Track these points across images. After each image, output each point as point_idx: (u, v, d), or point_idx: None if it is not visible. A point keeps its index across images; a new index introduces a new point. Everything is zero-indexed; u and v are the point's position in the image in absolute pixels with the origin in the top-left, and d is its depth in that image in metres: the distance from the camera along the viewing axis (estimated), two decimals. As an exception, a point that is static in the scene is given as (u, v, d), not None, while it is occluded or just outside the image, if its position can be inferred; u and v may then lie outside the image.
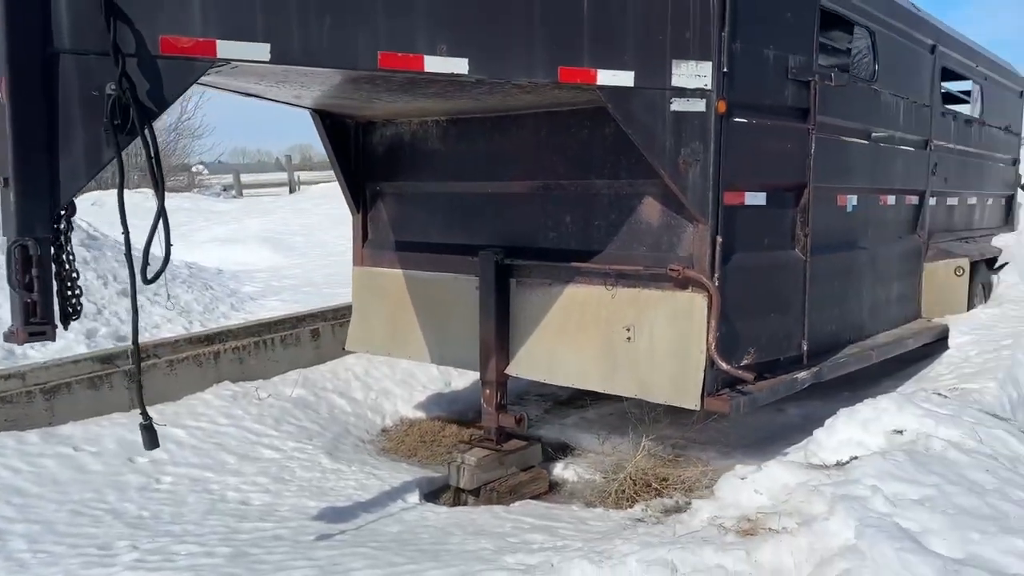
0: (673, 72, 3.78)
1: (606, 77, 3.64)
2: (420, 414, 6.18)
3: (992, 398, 5.00)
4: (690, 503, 3.91)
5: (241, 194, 23.59)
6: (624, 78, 3.68)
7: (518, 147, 4.62)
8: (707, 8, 3.79)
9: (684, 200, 3.93)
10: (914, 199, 6.39)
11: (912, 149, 6.18)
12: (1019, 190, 9.65)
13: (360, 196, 5.43)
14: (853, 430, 3.86)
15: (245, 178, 26.38)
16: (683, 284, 4.06)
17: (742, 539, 2.82)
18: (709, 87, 3.85)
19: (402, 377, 6.52)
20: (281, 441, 5.15)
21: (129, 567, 3.29)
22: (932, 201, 6.65)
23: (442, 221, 5.07)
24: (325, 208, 13.91)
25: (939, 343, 6.30)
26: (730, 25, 3.85)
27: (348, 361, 6.47)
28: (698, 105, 3.86)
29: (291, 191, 22.89)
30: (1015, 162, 9.31)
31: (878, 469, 3.07)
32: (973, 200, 7.88)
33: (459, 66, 3.35)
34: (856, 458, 3.31)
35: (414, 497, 4.53)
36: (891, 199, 5.95)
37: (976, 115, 7.80)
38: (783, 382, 4.37)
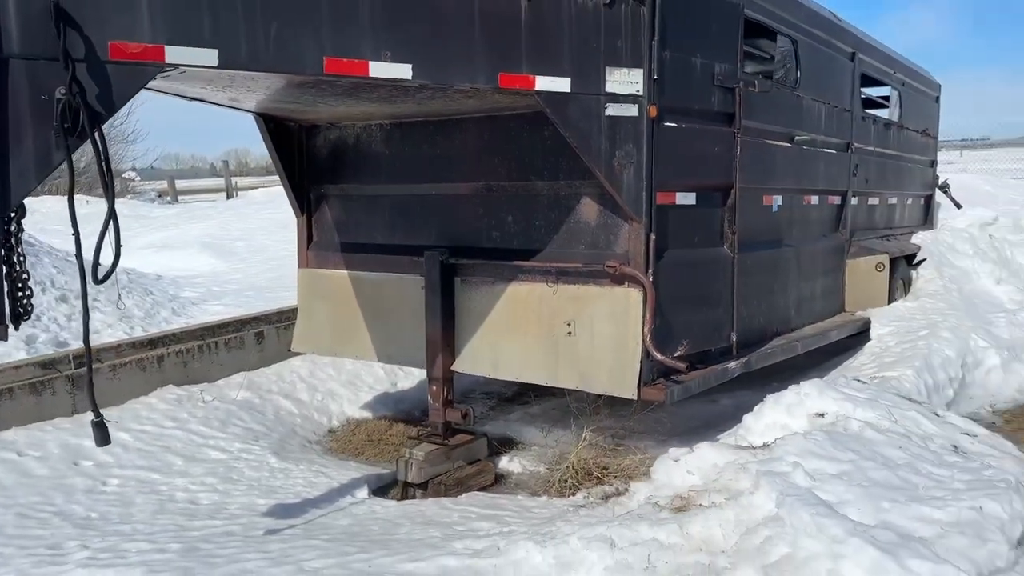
0: (607, 79, 3.98)
1: (544, 83, 3.81)
2: (367, 414, 6.27)
3: (910, 384, 5.36)
4: (628, 487, 4.10)
5: (176, 200, 23.17)
6: (561, 84, 3.86)
7: (461, 150, 4.76)
8: (638, 18, 4.00)
9: (619, 200, 4.13)
10: (836, 199, 6.75)
11: (834, 152, 6.53)
12: (937, 190, 10.22)
13: (304, 199, 5.51)
14: (779, 414, 4.13)
15: (180, 184, 25.92)
16: (620, 280, 4.26)
17: (675, 515, 3.02)
18: (641, 93, 4.07)
19: (348, 378, 6.59)
20: (228, 443, 5.19)
21: (81, 564, 3.32)
22: (854, 201, 7.03)
23: (387, 222, 5.18)
24: (266, 213, 13.83)
25: (862, 335, 6.68)
26: (659, 35, 4.07)
27: (293, 363, 6.52)
28: (631, 110, 4.06)
29: (228, 196, 22.59)
30: (933, 164, 9.85)
31: (799, 448, 3.31)
32: (893, 200, 8.33)
33: (403, 72, 3.48)
34: (781, 439, 3.55)
35: (363, 492, 4.63)
36: (814, 199, 6.28)
37: (895, 119, 8.25)
38: (714, 372, 4.60)
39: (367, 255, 5.23)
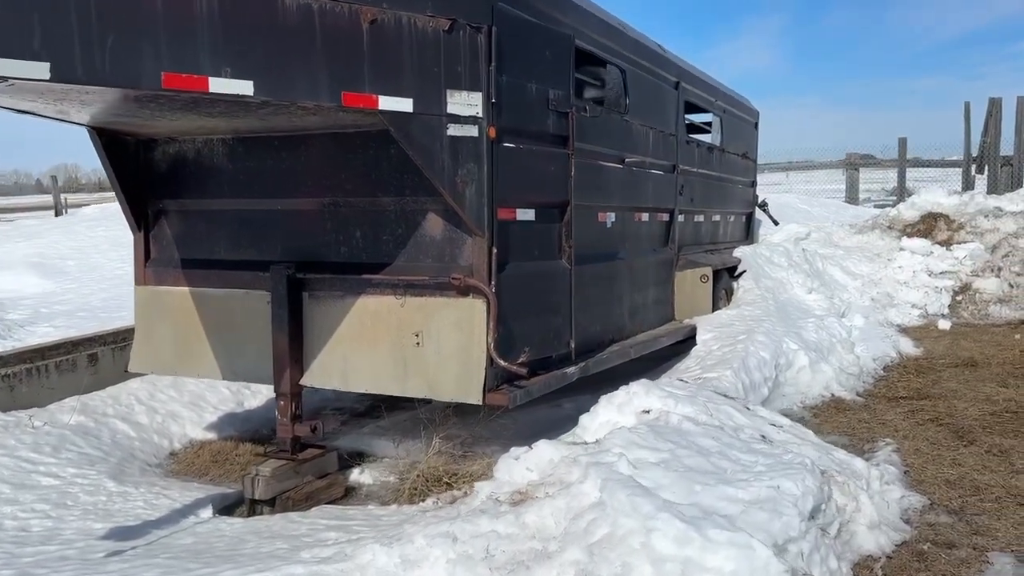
0: (448, 101, 4.19)
1: (387, 103, 3.98)
2: (211, 435, 6.14)
3: (728, 383, 5.87)
4: (474, 488, 4.30)
5: (-2, 218, 21.38)
6: (404, 104, 4.04)
7: (308, 166, 4.83)
8: (475, 45, 4.25)
9: (463, 216, 4.35)
10: (665, 216, 7.30)
11: (662, 173, 7.08)
12: (757, 208, 11.20)
13: (142, 215, 5.37)
14: (611, 412, 4.46)
15: (2, 201, 23.95)
16: (464, 291, 4.47)
17: (513, 508, 3.23)
18: (480, 115, 4.31)
19: (190, 399, 6.43)
20: (60, 468, 4.96)
21: None
22: (681, 218, 7.62)
23: (231, 238, 5.15)
24: (99, 230, 13.09)
25: (689, 341, 7.24)
26: (496, 61, 4.34)
27: (131, 386, 6.28)
28: (471, 131, 4.30)
29: (57, 214, 21.09)
30: (753, 184, 10.79)
31: (625, 440, 3.62)
32: (717, 217, 9.07)
33: (244, 88, 3.54)
34: (610, 434, 3.86)
35: (207, 512, 4.57)
36: (645, 216, 6.78)
37: (717, 143, 9.01)
38: (554, 376, 4.90)
39: (210, 271, 5.17)
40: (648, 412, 4.34)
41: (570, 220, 5.13)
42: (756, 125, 10.80)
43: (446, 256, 4.56)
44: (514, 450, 3.91)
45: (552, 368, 5.03)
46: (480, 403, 4.43)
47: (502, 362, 4.37)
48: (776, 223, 11.86)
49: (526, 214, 4.80)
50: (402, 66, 4.02)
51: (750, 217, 10.70)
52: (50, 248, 11.32)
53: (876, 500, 4.07)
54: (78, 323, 7.90)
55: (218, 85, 3.47)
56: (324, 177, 4.79)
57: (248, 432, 6.23)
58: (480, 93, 4.30)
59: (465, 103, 4.25)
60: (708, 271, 7.57)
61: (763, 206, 11.51)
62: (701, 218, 8.39)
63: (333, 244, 4.85)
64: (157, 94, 3.50)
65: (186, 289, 5.26)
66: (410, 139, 4.10)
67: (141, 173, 5.31)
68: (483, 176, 4.35)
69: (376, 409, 6.53)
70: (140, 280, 5.44)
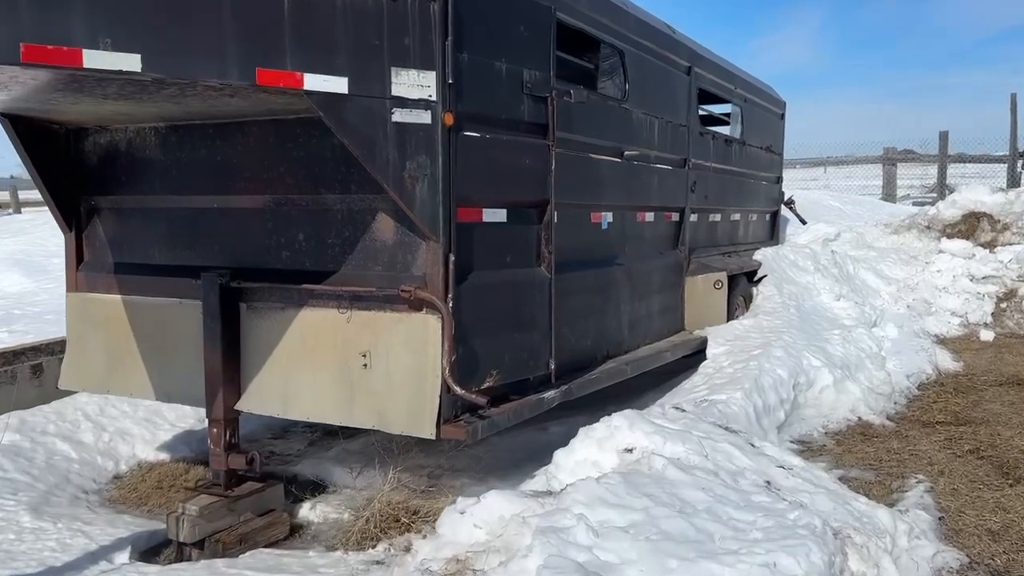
0: (393, 81, 3.53)
1: (315, 82, 3.33)
2: (163, 456, 5.56)
3: (737, 408, 5.15)
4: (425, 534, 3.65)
5: (20, 211, 21.01)
6: (337, 84, 3.39)
7: (245, 158, 4.20)
8: (428, 15, 3.58)
9: (412, 216, 3.69)
10: (674, 215, 6.58)
11: (670, 167, 6.35)
12: (783, 206, 10.38)
13: (73, 213, 4.79)
14: (590, 449, 3.79)
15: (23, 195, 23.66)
16: (417, 306, 3.81)
17: (439, 587, 2.58)
18: (434, 98, 3.64)
19: (145, 415, 5.85)
20: (-28, 498, 4.40)
21: None
22: (693, 217, 6.88)
23: (166, 240, 4.55)
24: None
25: (700, 354, 6.51)
26: (454, 35, 3.66)
27: (80, 400, 5.71)
28: (422, 117, 3.63)
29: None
30: (779, 180, 9.98)
31: (589, 495, 2.94)
32: (736, 216, 8.30)
33: (129, 63, 2.91)
34: (572, 485, 3.18)
35: (123, 556, 3.98)
36: (649, 216, 6.06)
37: (737, 136, 8.24)
38: (528, 404, 4.22)
39: (144, 277, 4.57)
40: (631, 451, 3.65)
41: (551, 221, 4.44)
42: (782, 116, 9.98)
43: (398, 263, 3.91)
44: (461, 501, 3.25)
45: (528, 392, 4.35)
46: (433, 437, 3.77)
47: (458, 389, 3.70)
48: (804, 222, 11.03)
49: (495, 215, 4.12)
50: (335, 38, 3.37)
51: (775, 216, 9.90)
52: (36, 245, 10.87)
53: (903, 561, 3.35)
54: (43, 328, 7.35)
55: (95, 59, 2.85)
56: (263, 171, 4.15)
57: (205, 453, 5.56)
58: (433, 72, 3.63)
59: (414, 83, 3.59)
60: (723, 276, 6.82)
61: (789, 204, 10.68)
62: (717, 217, 7.63)
63: (274, 248, 4.22)
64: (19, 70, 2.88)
65: (119, 297, 4.67)
66: (345, 126, 3.45)
67: (71, 166, 4.72)
68: (437, 170, 3.68)
69: (349, 428, 5.89)
70: (72, 286, 4.86)
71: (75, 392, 5.54)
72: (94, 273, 4.78)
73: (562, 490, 3.21)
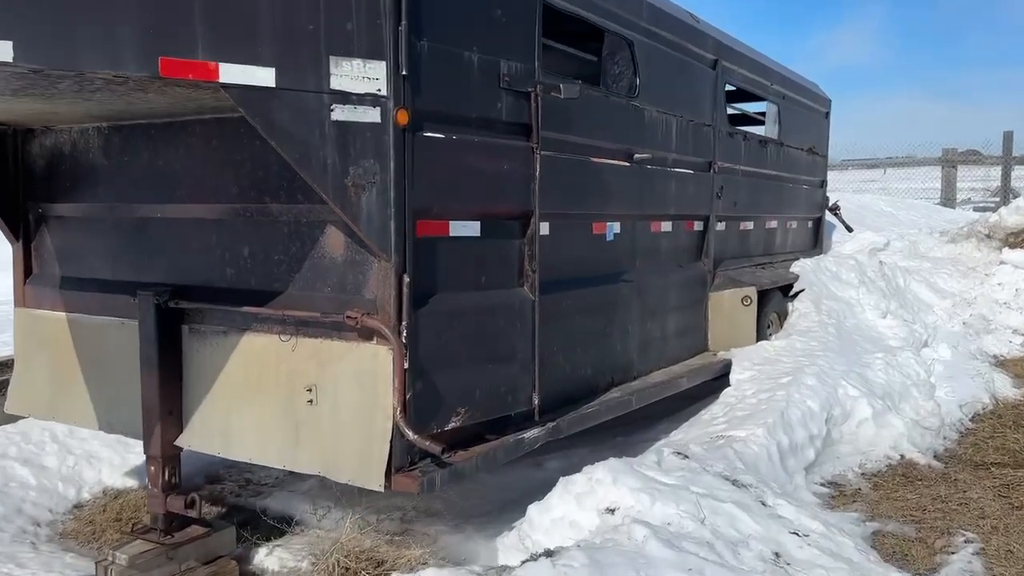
0: (332, 72, 3.00)
1: (233, 73, 2.82)
2: (131, 483, 5.13)
3: (757, 447, 4.52)
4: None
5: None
6: (261, 76, 2.87)
7: (187, 162, 3.73)
8: (375, -7, 3.05)
9: (358, 231, 3.16)
10: (697, 224, 5.94)
11: (691, 171, 5.71)
12: (827, 212, 9.59)
13: (20, 221, 4.38)
14: (568, 506, 3.23)
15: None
16: (367, 335, 3.29)
17: None
18: (384, 92, 3.11)
19: (117, 437, 5.41)
20: (-99, 534, 4.02)
21: None
22: (719, 226, 6.24)
23: (110, 253, 4.10)
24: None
25: (725, 378, 5.86)
26: (410, 18, 3.12)
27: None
28: (369, 114, 3.10)
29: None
30: (823, 184, 9.21)
31: (538, 587, 2.37)
32: (773, 224, 7.60)
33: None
34: (520, 568, 2.60)
35: (41, 610, 3.53)
36: (666, 225, 5.44)
37: (773, 136, 7.54)
38: (503, 446, 3.65)
39: (88, 293, 4.14)
40: (613, 512, 3.07)
41: (535, 234, 3.87)
42: (827, 115, 9.21)
43: (348, 285, 3.38)
44: (393, 578, 2.71)
45: (507, 431, 3.78)
46: (382, 489, 3.23)
47: (410, 433, 3.16)
48: (850, 229, 10.21)
49: (465, 228, 3.57)
50: (257, 21, 2.85)
51: (818, 223, 9.13)
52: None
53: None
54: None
55: (-48, 47, 2.38)
56: (206, 177, 3.67)
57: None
58: (383, 62, 3.10)
59: (359, 75, 3.05)
60: (752, 291, 6.15)
61: (834, 209, 9.88)
62: (749, 226, 6.95)
63: (218, 265, 3.72)
64: None
65: (63, 315, 4.25)
66: (273, 125, 2.93)
67: (19, 170, 4.32)
68: (388, 177, 3.14)
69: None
70: (19, 301, 4.46)
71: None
72: (41, 288, 4.37)
73: (512, 571, 2.65)
